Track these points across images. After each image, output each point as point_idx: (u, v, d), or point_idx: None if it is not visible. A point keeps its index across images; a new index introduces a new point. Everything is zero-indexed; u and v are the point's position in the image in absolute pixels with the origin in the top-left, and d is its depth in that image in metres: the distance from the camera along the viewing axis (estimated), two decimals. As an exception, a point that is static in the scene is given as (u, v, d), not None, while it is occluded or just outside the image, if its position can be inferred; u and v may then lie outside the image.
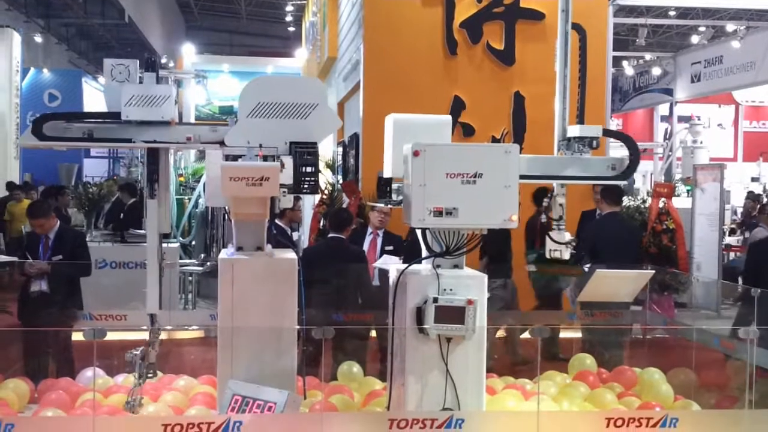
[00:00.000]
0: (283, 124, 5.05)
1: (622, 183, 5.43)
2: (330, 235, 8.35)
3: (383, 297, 5.57)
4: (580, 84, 5.35)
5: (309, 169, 4.99)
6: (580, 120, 5.20)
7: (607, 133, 5.16)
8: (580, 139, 5.13)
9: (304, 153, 4.96)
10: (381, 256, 8.43)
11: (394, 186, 5.50)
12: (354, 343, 7.46)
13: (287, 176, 4.96)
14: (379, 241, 8.61)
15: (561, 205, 5.37)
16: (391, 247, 8.52)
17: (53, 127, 5.62)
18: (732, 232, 17.70)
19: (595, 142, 5.13)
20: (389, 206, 7.28)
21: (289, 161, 4.97)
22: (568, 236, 5.46)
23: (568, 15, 5.28)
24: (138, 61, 5.90)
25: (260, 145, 4.99)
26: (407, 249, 7.81)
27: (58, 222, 8.06)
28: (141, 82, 5.63)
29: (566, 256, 5.47)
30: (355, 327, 7.50)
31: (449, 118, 5.51)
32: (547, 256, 5.56)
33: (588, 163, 5.22)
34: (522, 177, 4.97)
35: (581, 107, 5.25)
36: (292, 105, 5.07)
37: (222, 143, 5.25)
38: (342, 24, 15.02)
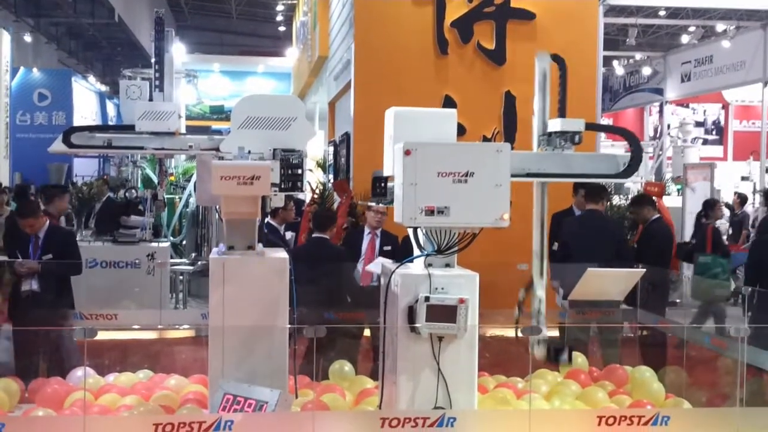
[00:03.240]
0: (268, 134, 5.49)
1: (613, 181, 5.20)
2: (314, 234, 8.38)
3: (372, 295, 5.56)
4: (561, 76, 5.03)
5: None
6: (561, 113, 4.88)
7: (591, 126, 4.83)
8: (561, 133, 4.94)
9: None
10: (379, 256, 8.40)
11: (390, 185, 5.43)
12: (346, 341, 7.45)
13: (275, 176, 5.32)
14: (377, 241, 8.56)
15: None
16: (389, 247, 8.47)
17: (79, 137, 6.88)
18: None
19: (577, 137, 4.88)
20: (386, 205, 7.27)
21: (273, 164, 5.36)
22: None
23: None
24: (148, 83, 7.74)
25: (249, 151, 5.38)
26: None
27: (48, 221, 8.03)
28: (151, 99, 7.31)
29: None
30: (346, 326, 7.50)
31: (454, 111, 5.33)
32: None
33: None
34: (514, 175, 4.91)
35: (562, 100, 4.89)
36: (276, 118, 5.52)
37: (218, 150, 5.90)
38: (333, 23, 15.01)
